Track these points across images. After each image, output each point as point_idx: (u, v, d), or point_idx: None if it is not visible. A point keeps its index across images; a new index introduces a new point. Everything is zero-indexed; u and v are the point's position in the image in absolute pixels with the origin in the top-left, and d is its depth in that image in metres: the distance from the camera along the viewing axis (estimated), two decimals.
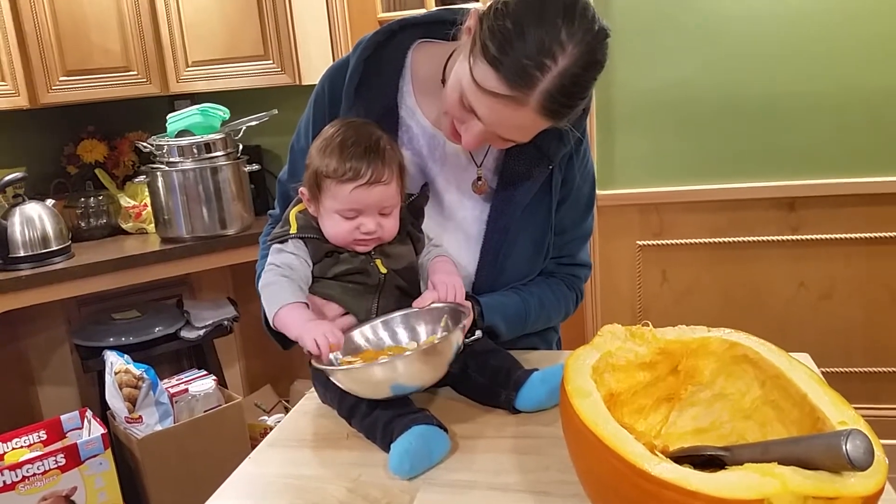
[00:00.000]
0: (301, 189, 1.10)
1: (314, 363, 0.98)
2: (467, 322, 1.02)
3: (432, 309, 1.06)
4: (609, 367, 0.82)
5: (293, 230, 1.08)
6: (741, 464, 0.65)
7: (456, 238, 1.21)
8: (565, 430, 0.77)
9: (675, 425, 0.84)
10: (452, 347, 0.99)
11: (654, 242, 2.62)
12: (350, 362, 1.00)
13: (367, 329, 1.07)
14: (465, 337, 1.09)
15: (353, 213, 1.05)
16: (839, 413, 0.70)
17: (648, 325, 0.85)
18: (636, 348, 0.84)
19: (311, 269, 1.08)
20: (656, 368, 0.84)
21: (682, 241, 2.59)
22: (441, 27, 1.19)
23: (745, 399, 0.81)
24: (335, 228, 1.06)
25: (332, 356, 1.00)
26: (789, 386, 0.75)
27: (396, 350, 1.04)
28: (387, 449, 0.94)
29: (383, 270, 1.08)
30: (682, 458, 0.74)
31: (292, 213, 1.11)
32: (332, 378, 1.00)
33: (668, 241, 2.60)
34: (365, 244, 1.08)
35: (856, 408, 0.71)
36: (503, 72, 0.92)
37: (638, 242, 2.63)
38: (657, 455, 0.63)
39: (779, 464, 0.62)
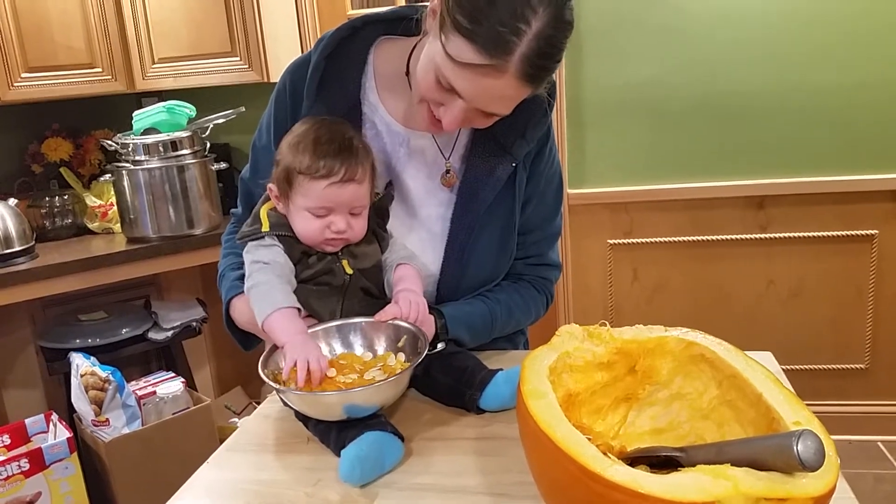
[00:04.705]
0: (269, 185, 1.09)
1: (264, 377, 0.96)
2: (424, 344, 1.01)
3: (392, 324, 1.05)
4: (567, 367, 0.82)
5: (265, 228, 1.07)
6: (695, 465, 0.64)
7: (420, 236, 1.20)
8: (521, 432, 0.76)
9: (633, 425, 0.83)
10: (406, 380, 0.98)
11: (625, 241, 2.63)
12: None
13: (319, 331, 1.06)
14: (428, 349, 1.08)
15: (325, 210, 1.04)
16: (794, 413, 0.70)
17: (606, 325, 0.85)
18: (594, 348, 0.83)
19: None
20: (614, 368, 0.84)
21: (653, 240, 2.60)
22: (402, 23, 1.18)
23: (703, 399, 0.80)
24: (305, 226, 1.05)
25: (280, 359, 0.99)
26: (745, 386, 0.75)
27: (349, 358, 1.02)
28: (339, 455, 0.92)
29: (349, 271, 1.07)
30: (639, 458, 0.74)
31: (263, 211, 1.09)
32: (281, 396, 0.99)
33: (639, 240, 2.61)
34: (334, 244, 1.07)
35: (822, 405, 0.71)
36: (479, 42, 0.91)
37: (609, 241, 2.64)
38: (609, 457, 0.62)
39: (732, 465, 0.62)
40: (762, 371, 0.77)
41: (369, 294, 1.10)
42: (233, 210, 1.33)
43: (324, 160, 1.02)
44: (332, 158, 1.03)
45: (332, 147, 1.03)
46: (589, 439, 0.67)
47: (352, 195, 1.05)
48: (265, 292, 1.01)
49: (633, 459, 0.73)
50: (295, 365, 0.94)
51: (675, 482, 0.60)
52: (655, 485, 0.59)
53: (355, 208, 1.06)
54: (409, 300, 1.05)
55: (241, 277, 1.10)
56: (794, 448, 0.59)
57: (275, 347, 1.01)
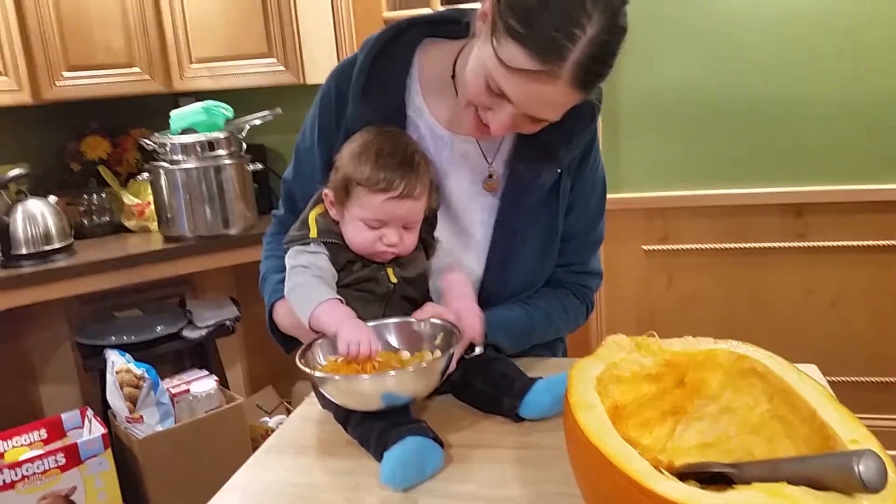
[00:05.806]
0: (326, 191, 1.09)
1: (301, 366, 0.96)
2: (461, 346, 1.01)
3: (429, 322, 1.05)
4: (614, 378, 0.80)
5: (313, 234, 1.07)
6: (749, 482, 0.63)
7: (463, 241, 1.19)
8: (568, 443, 0.75)
9: (680, 439, 0.82)
10: (441, 367, 0.97)
11: (660, 247, 2.60)
12: (334, 361, 0.99)
13: None
14: (466, 353, 1.07)
15: (379, 223, 1.04)
16: (850, 431, 0.68)
17: (654, 336, 0.83)
18: (642, 360, 0.82)
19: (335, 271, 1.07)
20: (662, 380, 0.82)
21: (688, 247, 2.57)
22: (448, 26, 1.17)
23: (753, 413, 0.79)
24: (357, 237, 1.05)
25: (318, 354, 0.99)
26: (798, 401, 0.73)
27: (386, 357, 1.02)
28: (380, 458, 0.92)
29: (394, 280, 1.07)
30: (686, 474, 0.72)
31: (312, 216, 1.09)
32: (320, 388, 0.99)
33: (674, 247, 2.58)
34: (383, 256, 1.07)
35: (860, 418, 0.69)
36: (532, 47, 0.89)
37: (643, 247, 2.61)
38: (662, 472, 0.61)
39: (788, 483, 0.60)
40: (814, 386, 0.75)
41: (413, 303, 1.10)
42: (274, 211, 1.33)
43: (384, 173, 1.02)
44: (392, 172, 1.02)
45: (394, 161, 1.03)
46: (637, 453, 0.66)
47: (408, 210, 1.04)
48: (305, 293, 1.01)
49: (682, 475, 0.72)
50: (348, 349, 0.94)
51: (730, 500, 0.59)
52: (710, 502, 0.58)
53: (410, 223, 1.06)
54: (462, 310, 1.07)
55: (284, 280, 1.10)
56: (855, 468, 0.57)
57: (312, 342, 1.01)
